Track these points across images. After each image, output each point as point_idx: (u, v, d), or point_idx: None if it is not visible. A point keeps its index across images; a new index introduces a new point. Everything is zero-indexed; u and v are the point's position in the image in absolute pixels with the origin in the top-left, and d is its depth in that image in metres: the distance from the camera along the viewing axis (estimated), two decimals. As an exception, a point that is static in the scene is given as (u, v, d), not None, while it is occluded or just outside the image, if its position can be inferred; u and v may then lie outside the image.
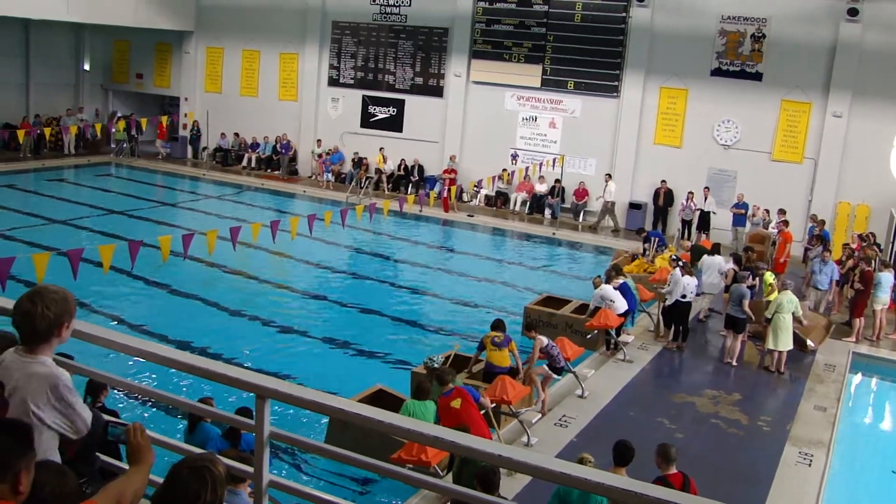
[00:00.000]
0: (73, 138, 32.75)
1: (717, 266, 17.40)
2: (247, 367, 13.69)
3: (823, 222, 22.16)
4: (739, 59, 25.17)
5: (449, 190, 25.42)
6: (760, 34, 24.83)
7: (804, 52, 24.33)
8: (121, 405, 11.00)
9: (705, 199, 24.82)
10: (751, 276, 16.42)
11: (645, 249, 20.78)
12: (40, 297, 3.82)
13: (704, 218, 24.71)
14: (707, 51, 25.50)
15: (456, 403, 9.96)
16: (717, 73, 25.50)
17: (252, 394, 4.21)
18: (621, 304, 15.28)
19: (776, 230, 22.02)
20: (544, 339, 12.70)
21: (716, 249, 18.32)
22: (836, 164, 24.27)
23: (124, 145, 33.66)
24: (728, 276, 17.31)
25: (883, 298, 16.95)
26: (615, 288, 15.55)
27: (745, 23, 24.97)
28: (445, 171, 28.54)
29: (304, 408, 4.34)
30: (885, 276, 17.09)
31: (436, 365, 11.28)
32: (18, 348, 3.91)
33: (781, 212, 22.54)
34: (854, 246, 19.79)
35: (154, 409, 11.90)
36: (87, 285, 15.33)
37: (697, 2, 25.50)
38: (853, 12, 23.28)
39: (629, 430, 11.28)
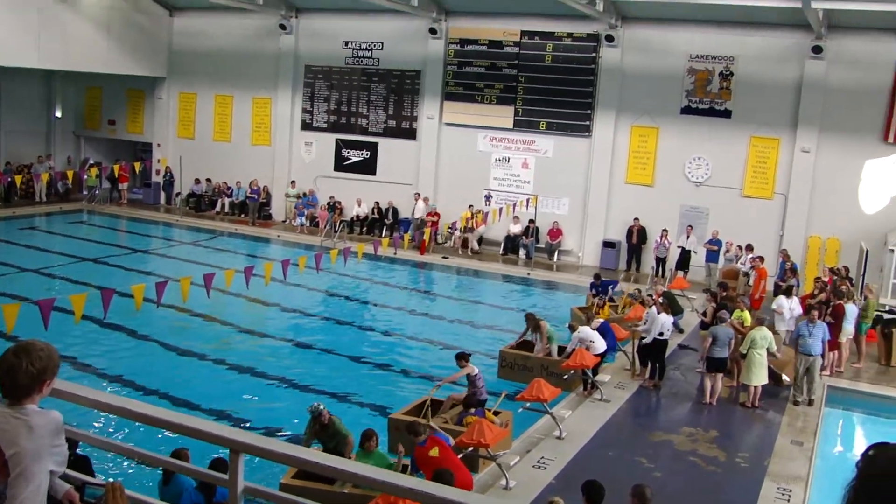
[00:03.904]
0: (44, 186, 32.61)
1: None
2: (221, 415, 13.64)
3: (786, 252, 22.39)
4: (708, 97, 25.49)
5: (423, 233, 25.46)
6: (728, 72, 25.18)
7: (771, 90, 24.69)
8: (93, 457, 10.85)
9: (688, 237, 24.96)
10: (728, 314, 16.41)
11: (594, 296, 20.35)
12: (26, 353, 3.85)
13: (685, 256, 24.84)
14: (676, 89, 25.81)
15: (434, 452, 9.96)
16: (686, 111, 25.81)
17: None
18: (600, 345, 15.32)
19: (748, 266, 22.14)
20: (475, 368, 13.29)
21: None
22: (805, 199, 24.54)
23: (96, 192, 33.53)
24: (707, 313, 17.37)
25: (847, 329, 17.08)
26: (595, 329, 15.64)
27: (712, 61, 25.32)
28: (429, 215, 28.58)
29: (278, 462, 4.30)
30: (850, 308, 17.22)
31: (321, 411, 11.30)
32: (2, 402, 3.91)
33: (749, 248, 22.73)
34: (826, 279, 19.94)
35: (126, 461, 11.73)
36: (59, 335, 15.12)
37: (666, 41, 25.85)
38: (817, 50, 23.67)
39: (608, 470, 11.26)
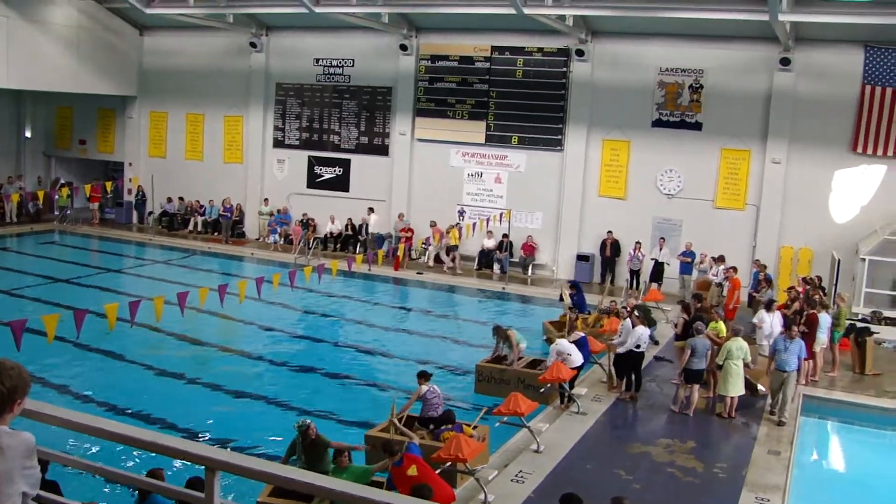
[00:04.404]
0: (14, 206, 32.32)
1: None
2: (198, 434, 13.52)
3: (765, 266, 22.48)
4: (679, 110, 25.65)
5: (398, 248, 25.48)
6: (698, 85, 25.36)
7: (741, 102, 24.89)
8: (65, 479, 10.71)
9: (661, 249, 25.06)
10: (704, 325, 16.43)
11: (569, 297, 20.48)
12: None
13: (659, 268, 24.93)
14: (647, 102, 25.96)
15: (413, 471, 9.92)
16: (657, 124, 25.95)
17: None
18: (577, 358, 15.32)
19: (720, 277, 22.19)
20: (424, 388, 13.32)
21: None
22: (777, 210, 24.72)
23: (68, 212, 33.29)
24: (678, 325, 17.38)
25: (821, 339, 17.13)
26: (572, 342, 15.65)
27: (682, 74, 25.50)
28: (402, 231, 28.55)
29: (255, 479, 4.25)
30: (824, 318, 17.26)
31: (309, 425, 11.26)
32: None
33: (721, 259, 22.79)
34: (800, 289, 20.05)
35: (100, 482, 11.59)
36: (32, 356, 14.95)
37: (636, 55, 26.00)
38: (785, 62, 23.89)
39: (586, 483, 11.25)
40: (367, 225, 29.64)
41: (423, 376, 13.64)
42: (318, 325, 22.15)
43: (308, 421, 11.34)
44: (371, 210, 29.58)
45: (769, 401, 15.38)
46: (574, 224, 27.20)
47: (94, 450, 12.16)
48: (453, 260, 27.87)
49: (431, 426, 12.94)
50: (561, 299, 21.67)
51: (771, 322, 17.14)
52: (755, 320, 17.82)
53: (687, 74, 25.50)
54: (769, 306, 17.74)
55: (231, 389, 16.24)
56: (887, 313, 21.63)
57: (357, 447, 11.94)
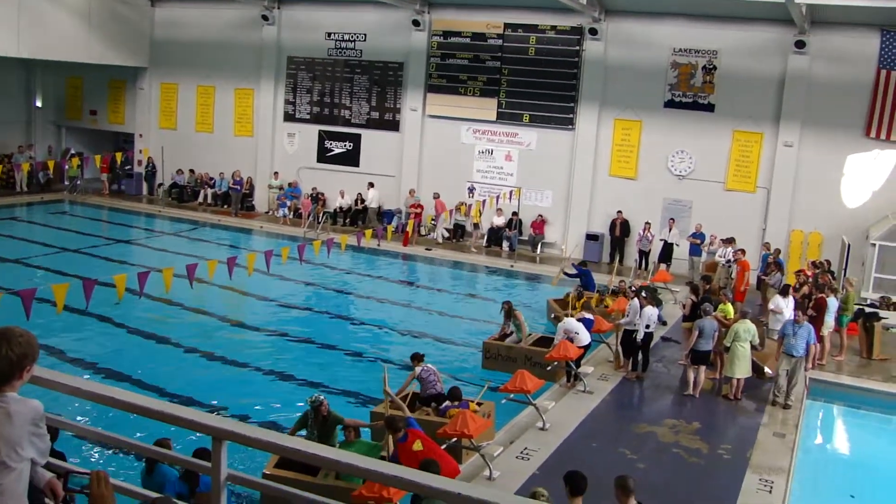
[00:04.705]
0: (25, 176, 32.37)
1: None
2: (205, 405, 13.58)
3: (779, 251, 22.40)
4: (691, 91, 25.53)
5: (407, 224, 25.49)
6: (711, 66, 25.22)
7: (754, 84, 24.75)
8: (73, 447, 10.78)
9: (670, 230, 25.01)
10: (712, 307, 16.38)
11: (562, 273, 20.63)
12: (5, 339, 3.82)
13: (668, 249, 24.90)
14: (660, 83, 25.84)
15: (418, 446, 9.95)
16: (669, 104, 25.83)
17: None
18: (585, 337, 15.34)
19: (728, 259, 22.08)
20: (418, 369, 13.48)
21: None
22: (788, 193, 24.63)
23: (78, 182, 33.33)
24: (686, 306, 17.35)
25: (828, 322, 17.12)
26: (579, 320, 15.67)
27: (696, 55, 25.35)
28: (412, 206, 28.55)
29: (261, 449, 4.28)
30: (832, 301, 17.25)
31: (322, 401, 11.25)
32: None
33: (729, 241, 22.65)
34: (809, 273, 19.99)
35: (108, 450, 11.68)
36: (41, 325, 15.07)
37: (649, 35, 25.86)
38: (800, 44, 23.73)
39: (591, 461, 11.28)
40: (366, 199, 29.81)
41: (416, 358, 13.73)
42: (326, 298, 22.19)
43: (321, 397, 11.35)
44: (371, 185, 29.66)
45: (774, 385, 15.34)
46: (584, 203, 27.15)
47: (98, 417, 12.22)
48: (461, 236, 27.92)
49: (433, 403, 12.99)
50: (566, 273, 21.94)
51: (787, 307, 17.06)
52: (772, 307, 17.72)
53: (700, 55, 25.35)
54: (784, 292, 17.65)
55: (238, 361, 16.29)
56: (896, 298, 21.59)
57: (369, 424, 12.00)
